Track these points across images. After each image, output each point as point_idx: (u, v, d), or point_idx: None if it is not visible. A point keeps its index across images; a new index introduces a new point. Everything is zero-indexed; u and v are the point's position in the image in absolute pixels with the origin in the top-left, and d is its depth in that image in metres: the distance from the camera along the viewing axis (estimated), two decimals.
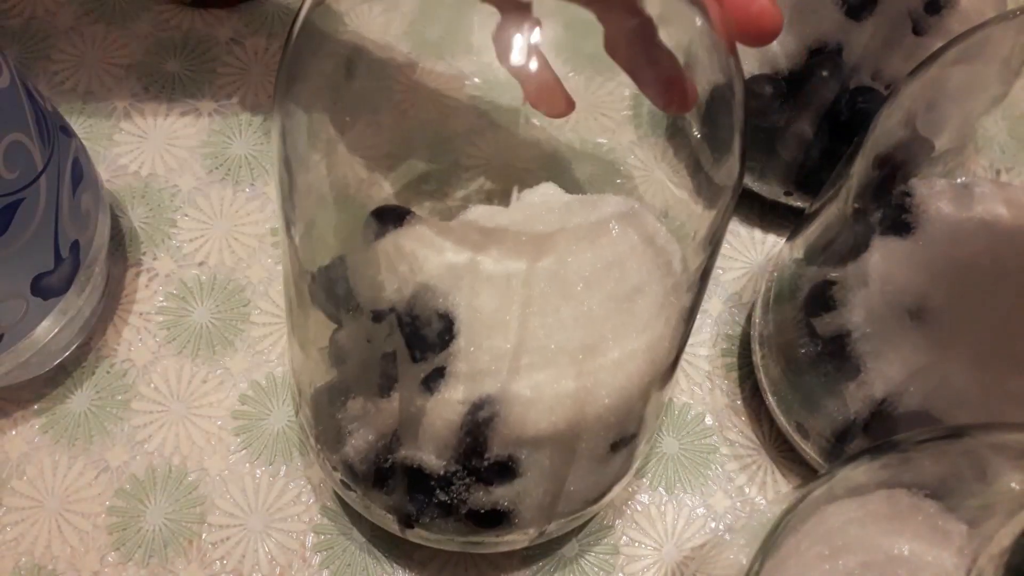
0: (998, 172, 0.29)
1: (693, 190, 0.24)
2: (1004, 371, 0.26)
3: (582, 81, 0.42)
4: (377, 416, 0.25)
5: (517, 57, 0.20)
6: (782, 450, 0.34)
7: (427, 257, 0.24)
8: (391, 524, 0.28)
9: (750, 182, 0.37)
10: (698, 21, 0.21)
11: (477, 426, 0.23)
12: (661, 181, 0.39)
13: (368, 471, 0.26)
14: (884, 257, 0.27)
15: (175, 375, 0.35)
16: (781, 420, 0.33)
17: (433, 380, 0.24)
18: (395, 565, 0.32)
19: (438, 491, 0.25)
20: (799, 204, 0.37)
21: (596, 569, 0.32)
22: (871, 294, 0.27)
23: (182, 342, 0.35)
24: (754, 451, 0.35)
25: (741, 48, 0.34)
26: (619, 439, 0.26)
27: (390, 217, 0.26)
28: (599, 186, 0.29)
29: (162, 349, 0.35)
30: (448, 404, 0.24)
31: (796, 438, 0.33)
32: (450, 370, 0.23)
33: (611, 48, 0.22)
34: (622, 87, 0.42)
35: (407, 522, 0.27)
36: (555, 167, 0.30)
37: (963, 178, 0.28)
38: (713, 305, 0.37)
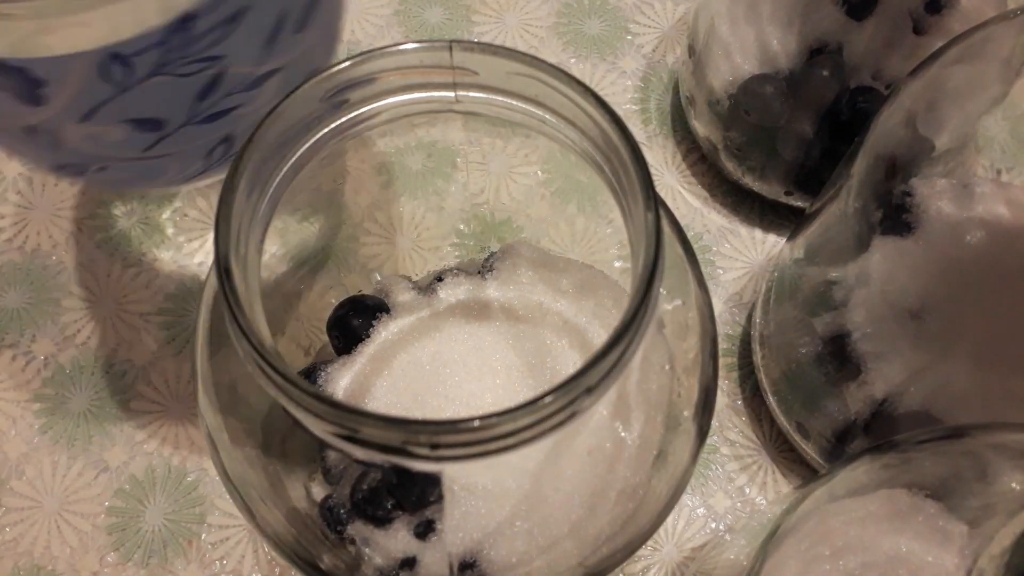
0: (999, 172, 0.29)
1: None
2: (1005, 371, 0.26)
3: (586, 68, 0.42)
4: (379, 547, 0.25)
5: None
6: (782, 450, 0.34)
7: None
8: None
9: (750, 182, 0.37)
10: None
11: None
12: (673, 187, 0.40)
13: None
14: (885, 257, 0.27)
15: (174, 375, 0.35)
16: (781, 420, 0.33)
17: (423, 530, 0.24)
18: None
19: None
20: (799, 204, 0.37)
21: None
22: (872, 294, 0.27)
23: (181, 342, 0.35)
24: (754, 451, 0.34)
25: (743, 47, 0.34)
26: None
27: (364, 312, 0.26)
28: (604, 194, 0.29)
29: (161, 349, 0.35)
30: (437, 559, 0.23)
31: (796, 438, 0.33)
32: (439, 525, 0.23)
33: None
34: (626, 76, 0.42)
35: None
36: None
37: (963, 178, 0.28)
38: (713, 305, 0.37)
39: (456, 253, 0.30)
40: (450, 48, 0.20)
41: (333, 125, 0.21)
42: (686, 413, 0.23)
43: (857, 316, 0.28)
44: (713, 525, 0.33)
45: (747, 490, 0.34)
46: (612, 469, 0.23)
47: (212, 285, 0.22)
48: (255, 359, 0.17)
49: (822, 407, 0.30)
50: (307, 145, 0.21)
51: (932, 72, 0.26)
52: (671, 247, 0.23)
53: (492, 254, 0.27)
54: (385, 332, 0.26)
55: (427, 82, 0.21)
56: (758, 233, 0.39)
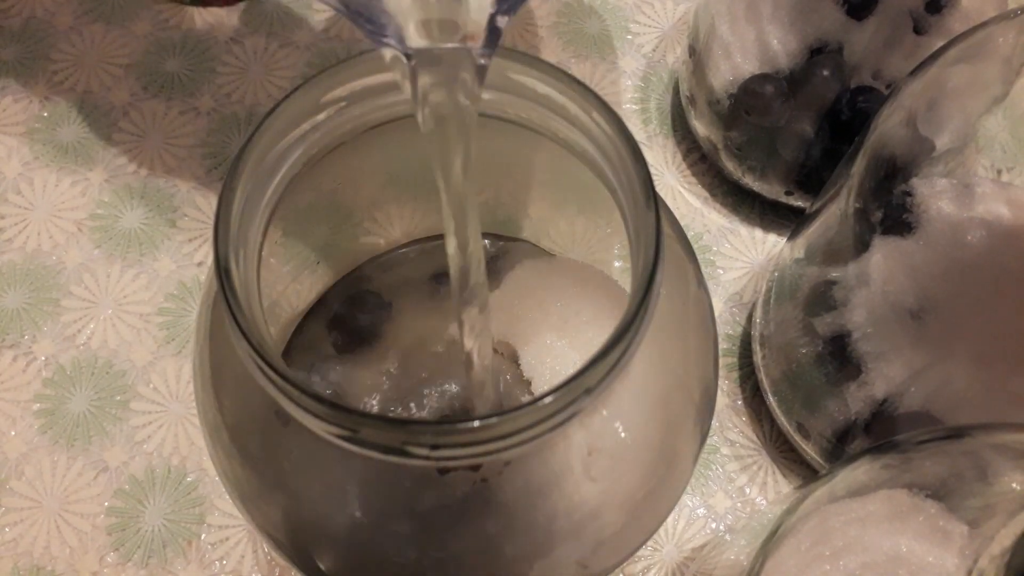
0: (999, 172, 0.29)
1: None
2: (1005, 371, 0.26)
3: (586, 68, 0.42)
4: None
5: None
6: (783, 450, 0.34)
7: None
8: None
9: (751, 181, 0.37)
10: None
11: None
12: (673, 187, 0.40)
13: None
14: (885, 257, 0.27)
15: (174, 375, 0.34)
16: (782, 420, 0.33)
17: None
18: None
19: None
20: (800, 204, 0.37)
21: None
22: (872, 294, 0.27)
23: (181, 342, 0.35)
24: (755, 451, 0.34)
25: (743, 46, 0.34)
26: None
27: (365, 311, 0.25)
28: (604, 193, 0.29)
29: (161, 349, 0.35)
30: None
31: (797, 438, 0.33)
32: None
33: None
34: (626, 76, 0.42)
35: None
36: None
37: (964, 178, 0.28)
38: (714, 305, 0.37)
39: None
40: None
41: (333, 125, 0.21)
42: (686, 413, 0.23)
43: (857, 316, 0.28)
44: (713, 525, 0.33)
45: (747, 490, 0.34)
46: (612, 469, 0.23)
47: (211, 285, 0.22)
48: (254, 359, 0.17)
49: (822, 407, 0.30)
50: (307, 145, 0.21)
51: (932, 72, 0.26)
52: (671, 247, 0.23)
53: (492, 254, 0.27)
54: (386, 331, 0.26)
55: None
56: (758, 233, 0.39)
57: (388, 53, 0.17)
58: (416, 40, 0.17)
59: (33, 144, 0.39)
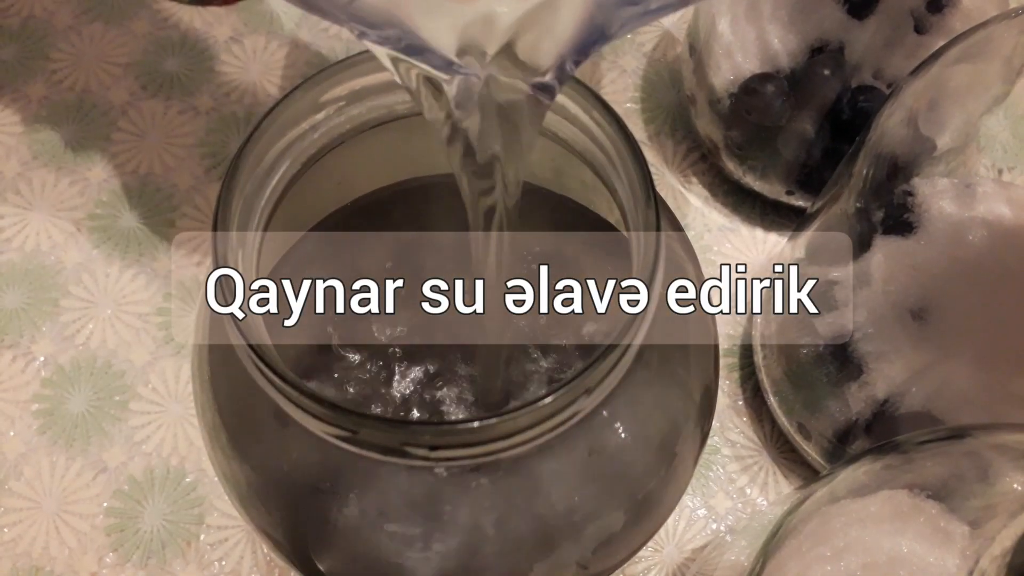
0: (1000, 172, 0.29)
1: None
2: (1007, 371, 0.26)
3: (587, 66, 0.42)
4: None
5: None
6: (783, 451, 0.34)
7: None
8: None
9: (752, 181, 0.37)
10: None
11: None
12: (673, 187, 0.39)
13: None
14: (886, 257, 0.27)
15: (173, 375, 0.34)
16: (782, 421, 0.33)
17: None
18: None
19: None
20: (801, 203, 0.37)
21: None
22: (873, 294, 0.27)
23: (180, 342, 0.35)
24: (755, 452, 0.34)
25: (744, 45, 0.34)
26: None
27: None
28: (601, 191, 0.29)
29: (160, 349, 0.35)
30: None
31: (798, 439, 0.33)
32: None
33: None
34: (627, 75, 0.42)
35: None
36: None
37: (965, 177, 0.28)
38: None
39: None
40: None
41: (332, 124, 0.21)
42: (687, 414, 0.23)
43: (858, 316, 0.28)
44: (714, 526, 0.33)
45: (748, 491, 0.34)
46: (613, 470, 0.23)
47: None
48: (254, 360, 0.17)
49: (823, 407, 0.30)
50: (306, 144, 0.21)
51: (933, 71, 0.26)
52: (671, 246, 0.23)
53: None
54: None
55: None
56: (759, 233, 0.39)
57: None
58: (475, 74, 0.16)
59: (32, 144, 0.39)
